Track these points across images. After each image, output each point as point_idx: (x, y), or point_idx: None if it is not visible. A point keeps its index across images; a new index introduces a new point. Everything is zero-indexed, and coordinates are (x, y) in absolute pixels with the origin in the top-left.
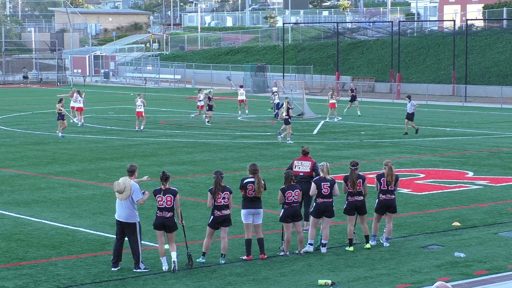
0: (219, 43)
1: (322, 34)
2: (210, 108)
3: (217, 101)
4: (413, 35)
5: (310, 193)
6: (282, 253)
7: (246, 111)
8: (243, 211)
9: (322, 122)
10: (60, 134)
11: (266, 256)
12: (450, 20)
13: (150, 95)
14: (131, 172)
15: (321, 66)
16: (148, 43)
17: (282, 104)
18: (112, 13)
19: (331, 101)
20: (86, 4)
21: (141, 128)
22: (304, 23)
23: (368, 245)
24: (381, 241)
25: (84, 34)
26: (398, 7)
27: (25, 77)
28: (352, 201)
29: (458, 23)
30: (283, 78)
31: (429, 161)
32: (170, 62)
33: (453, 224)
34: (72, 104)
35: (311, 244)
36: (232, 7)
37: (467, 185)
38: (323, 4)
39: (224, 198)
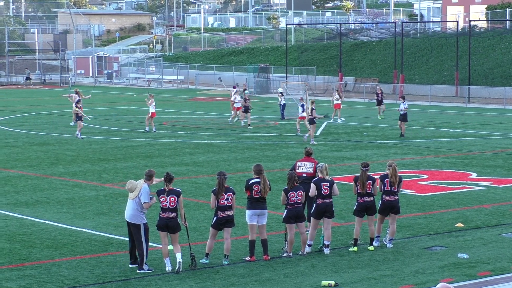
0: (222, 44)
1: (325, 35)
2: (246, 110)
3: (220, 102)
4: (416, 36)
5: (310, 194)
6: (285, 254)
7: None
8: (248, 212)
9: (325, 123)
10: (78, 135)
11: (269, 257)
12: (453, 21)
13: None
14: (149, 177)
15: (324, 67)
16: (151, 44)
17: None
18: (115, 14)
19: (336, 102)
20: (89, 5)
21: (153, 129)
22: (307, 24)
23: (371, 248)
24: (385, 242)
25: (87, 35)
26: (401, 8)
27: (28, 79)
28: (362, 202)
29: (461, 24)
30: (286, 79)
31: (432, 162)
32: (173, 63)
33: (456, 225)
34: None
35: (309, 245)
36: (235, 8)
37: (470, 186)
38: (326, 5)
39: (227, 199)
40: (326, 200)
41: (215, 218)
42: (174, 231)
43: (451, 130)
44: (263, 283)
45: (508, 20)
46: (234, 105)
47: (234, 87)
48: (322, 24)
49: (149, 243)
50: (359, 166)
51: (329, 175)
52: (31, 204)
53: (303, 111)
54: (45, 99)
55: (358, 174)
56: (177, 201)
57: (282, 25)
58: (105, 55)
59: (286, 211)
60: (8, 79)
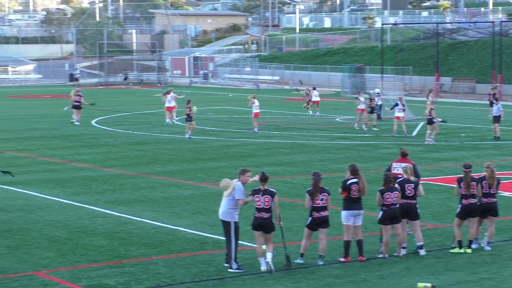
0: (317, 44)
1: (421, 34)
2: (372, 111)
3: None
4: None
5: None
6: (380, 255)
7: (317, 113)
8: (345, 213)
9: (421, 123)
10: (187, 136)
11: (364, 258)
12: None
13: (248, 95)
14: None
15: (420, 67)
16: (246, 44)
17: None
18: (211, 15)
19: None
20: (185, 6)
21: (255, 130)
22: (403, 23)
23: (469, 250)
24: (482, 245)
25: (184, 36)
26: (500, 7)
27: (126, 79)
28: (467, 205)
29: None
30: (382, 79)
31: None
32: (268, 63)
33: None
34: (166, 104)
35: (403, 248)
36: (331, 8)
37: None
38: (423, 4)
39: (322, 199)
40: (409, 201)
41: (310, 218)
42: (268, 231)
43: None
44: (358, 284)
45: None
46: (358, 107)
47: (314, 88)
48: (418, 23)
49: (244, 243)
50: (455, 168)
51: (423, 176)
52: (129, 202)
53: (400, 111)
54: (143, 99)
55: (461, 175)
56: (271, 201)
57: (378, 25)
58: (201, 56)
59: (381, 212)
60: (106, 79)
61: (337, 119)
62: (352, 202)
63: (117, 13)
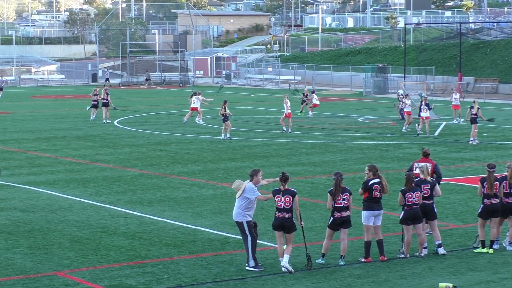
0: (339, 44)
1: (444, 34)
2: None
3: (337, 102)
4: None
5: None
6: (402, 256)
7: (310, 112)
8: (365, 213)
9: (444, 123)
10: (222, 137)
11: (386, 258)
12: None
13: (269, 96)
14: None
15: (443, 67)
16: (269, 45)
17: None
18: (234, 15)
19: (455, 102)
20: (208, 6)
21: (288, 130)
22: (426, 23)
23: (491, 250)
24: (504, 245)
25: (206, 36)
26: None
27: (148, 79)
28: (489, 205)
29: None
30: (404, 79)
31: None
32: (290, 63)
33: None
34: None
35: (425, 248)
36: (353, 8)
37: None
38: (446, 4)
39: (344, 199)
40: (425, 201)
41: (331, 218)
42: (289, 231)
43: None
44: (379, 284)
45: None
46: (405, 109)
47: (313, 92)
48: (441, 23)
49: (265, 243)
50: (477, 168)
51: (445, 177)
52: (151, 202)
53: (426, 111)
54: (165, 99)
55: (485, 175)
56: (292, 201)
57: (401, 25)
58: (223, 56)
59: (403, 212)
60: (129, 80)
61: (359, 119)
62: (374, 202)
63: (140, 14)
